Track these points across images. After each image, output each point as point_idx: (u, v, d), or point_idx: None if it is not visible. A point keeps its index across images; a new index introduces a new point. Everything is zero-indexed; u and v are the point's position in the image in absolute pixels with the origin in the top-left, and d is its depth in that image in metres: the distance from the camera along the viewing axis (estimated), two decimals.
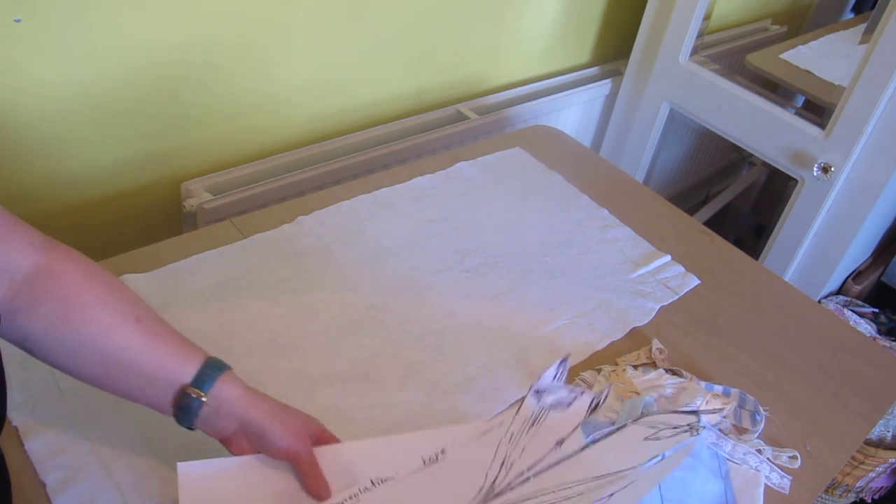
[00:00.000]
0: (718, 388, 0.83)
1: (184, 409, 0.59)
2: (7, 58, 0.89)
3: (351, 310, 0.87)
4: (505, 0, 1.43)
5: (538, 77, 1.64)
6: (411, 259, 0.96)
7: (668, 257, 1.04)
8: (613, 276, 1.00)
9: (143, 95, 1.04)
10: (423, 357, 0.82)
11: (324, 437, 0.65)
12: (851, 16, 2.13)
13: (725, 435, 0.79)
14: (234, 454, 0.63)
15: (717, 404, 0.80)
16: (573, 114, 1.67)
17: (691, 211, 1.76)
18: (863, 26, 1.75)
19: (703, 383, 0.83)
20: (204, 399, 0.58)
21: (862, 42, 1.64)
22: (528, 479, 0.65)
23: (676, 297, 0.98)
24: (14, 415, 0.69)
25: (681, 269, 1.03)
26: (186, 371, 0.59)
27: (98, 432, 0.68)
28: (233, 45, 1.09)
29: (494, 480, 0.65)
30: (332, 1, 1.16)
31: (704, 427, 0.77)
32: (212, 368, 0.60)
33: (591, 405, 0.72)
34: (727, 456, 0.77)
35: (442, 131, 1.38)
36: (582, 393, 0.73)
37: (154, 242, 0.92)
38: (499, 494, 0.64)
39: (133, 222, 1.14)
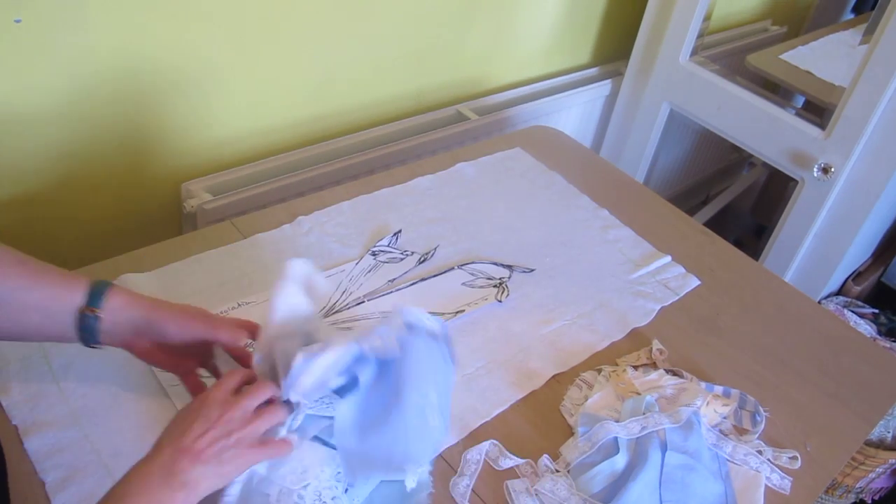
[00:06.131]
0: (719, 389, 0.83)
1: (85, 329, 0.64)
2: (7, 58, 0.89)
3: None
4: (505, 0, 1.43)
5: (538, 77, 1.64)
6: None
7: (669, 258, 1.04)
8: (614, 276, 1.00)
9: (143, 96, 1.04)
10: None
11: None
12: (851, 16, 2.13)
13: (726, 436, 0.79)
14: (140, 357, 0.67)
15: (717, 405, 0.80)
16: (573, 114, 1.67)
17: (691, 211, 1.76)
18: (863, 27, 1.75)
19: (703, 384, 0.83)
20: (100, 314, 0.63)
21: (862, 42, 1.64)
22: (362, 301, 0.88)
23: (677, 297, 0.98)
24: (14, 413, 0.69)
25: (681, 269, 1.03)
26: (77, 296, 0.63)
27: (98, 431, 0.68)
28: (233, 45, 1.09)
29: (336, 302, 0.88)
30: (332, 1, 1.16)
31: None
32: (99, 287, 0.64)
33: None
34: (727, 457, 0.77)
35: (442, 132, 1.38)
36: (411, 254, 0.96)
37: (154, 242, 0.92)
38: (338, 311, 0.87)
39: (133, 222, 1.14)
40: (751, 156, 2.07)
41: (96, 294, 0.64)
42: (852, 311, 1.64)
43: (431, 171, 1.14)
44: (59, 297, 0.63)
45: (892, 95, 1.26)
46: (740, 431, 0.81)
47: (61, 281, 0.64)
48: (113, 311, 0.64)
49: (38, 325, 0.63)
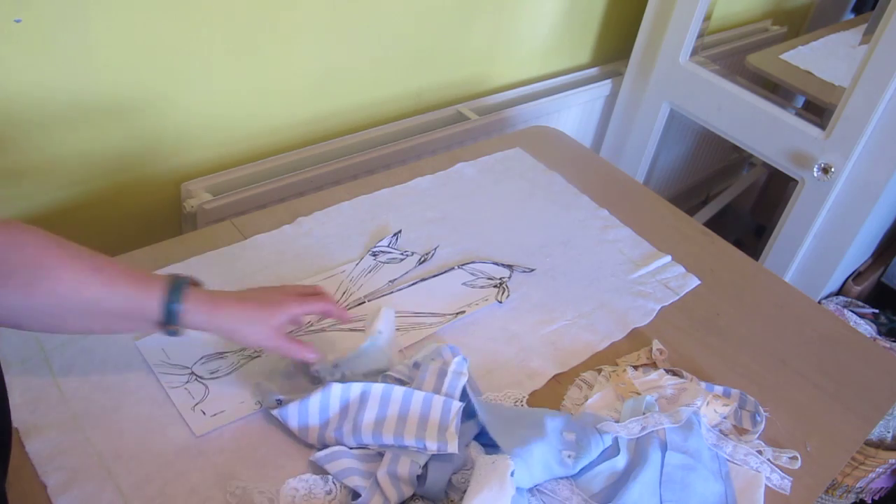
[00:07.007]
0: (719, 389, 0.83)
1: (170, 334, 0.68)
2: (7, 58, 0.89)
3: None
4: (505, 0, 1.43)
5: (538, 77, 1.64)
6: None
7: (669, 258, 1.04)
8: (614, 276, 1.00)
9: (143, 95, 1.04)
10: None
11: (303, 300, 0.73)
12: (852, 16, 2.13)
13: (726, 436, 0.79)
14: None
15: (717, 405, 0.80)
16: (573, 114, 1.67)
17: (691, 211, 1.77)
18: (863, 27, 1.75)
19: (703, 384, 0.83)
20: (178, 329, 0.67)
21: (862, 43, 1.64)
22: (363, 302, 0.89)
23: (677, 297, 0.98)
24: (15, 416, 0.68)
25: (681, 269, 1.03)
26: (153, 308, 0.65)
27: (99, 433, 0.68)
28: (233, 45, 1.09)
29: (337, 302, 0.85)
30: (332, 1, 1.16)
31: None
32: (173, 300, 0.65)
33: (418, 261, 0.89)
34: (728, 457, 0.77)
35: (442, 132, 1.38)
36: (411, 254, 0.96)
37: (154, 243, 0.92)
38: None
39: (133, 222, 1.14)
40: (751, 156, 2.07)
41: (172, 309, 0.65)
42: (852, 311, 1.64)
43: (431, 171, 1.14)
44: (139, 307, 0.65)
45: (892, 95, 1.26)
46: (740, 431, 0.81)
47: (137, 287, 0.65)
48: (191, 324, 0.67)
49: (125, 327, 0.67)
